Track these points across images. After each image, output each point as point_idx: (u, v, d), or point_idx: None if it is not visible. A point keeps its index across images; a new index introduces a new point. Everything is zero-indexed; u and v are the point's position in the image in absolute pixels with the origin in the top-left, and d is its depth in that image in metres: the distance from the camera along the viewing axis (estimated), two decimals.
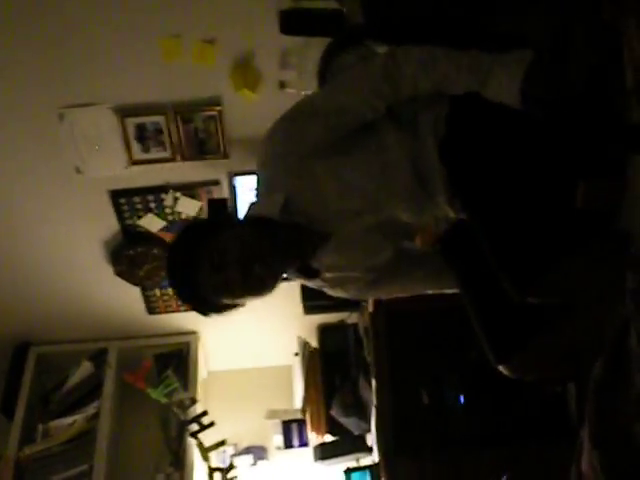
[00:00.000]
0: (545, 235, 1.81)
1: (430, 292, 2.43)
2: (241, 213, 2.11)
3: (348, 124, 1.94)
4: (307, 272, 2.16)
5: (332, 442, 4.26)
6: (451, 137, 1.92)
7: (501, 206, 1.85)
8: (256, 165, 2.07)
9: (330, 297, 3.98)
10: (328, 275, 2.20)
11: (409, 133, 1.98)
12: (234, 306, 2.07)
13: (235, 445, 4.87)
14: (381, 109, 1.95)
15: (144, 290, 4.67)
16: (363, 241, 2.12)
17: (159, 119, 3.73)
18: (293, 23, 3.30)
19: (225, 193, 4.01)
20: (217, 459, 4.57)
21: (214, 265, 1.93)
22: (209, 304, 2.04)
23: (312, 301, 4.10)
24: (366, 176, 1.96)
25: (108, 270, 4.43)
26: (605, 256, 1.82)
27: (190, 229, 2.09)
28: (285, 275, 2.13)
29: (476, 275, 2.18)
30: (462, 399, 3.54)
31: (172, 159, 3.85)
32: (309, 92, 3.30)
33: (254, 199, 2.09)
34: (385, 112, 1.97)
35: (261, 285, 1.98)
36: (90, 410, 4.63)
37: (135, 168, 3.89)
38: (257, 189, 2.08)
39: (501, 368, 2.12)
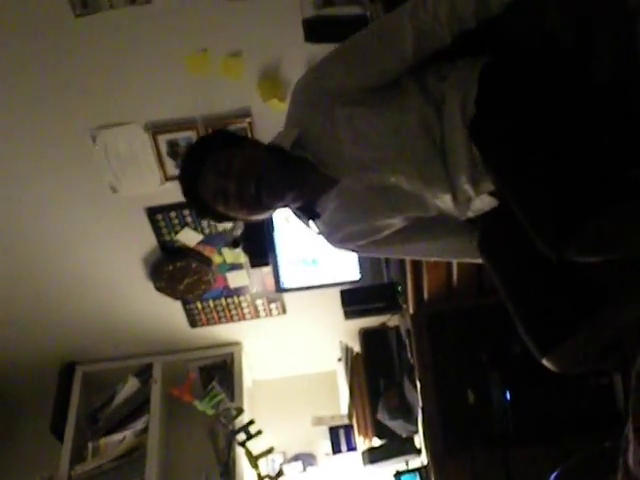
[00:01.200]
0: (588, 185, 1.71)
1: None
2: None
3: (376, 74, 1.99)
4: (308, 212, 2.21)
5: (380, 446, 4.25)
6: (483, 116, 1.91)
7: (537, 168, 1.78)
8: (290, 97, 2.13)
9: (370, 301, 4.02)
10: (326, 227, 2.25)
11: (434, 107, 1.98)
12: (227, 218, 2.14)
13: (284, 453, 4.90)
14: (409, 54, 1.97)
15: (185, 304, 4.71)
16: (364, 198, 2.14)
17: (190, 134, 3.76)
18: (317, 31, 3.29)
19: None
20: (266, 467, 4.58)
21: (218, 171, 2.02)
22: (205, 207, 2.11)
23: (352, 306, 4.10)
24: (380, 132, 1.99)
25: (148, 286, 4.49)
26: None
27: (215, 134, 2.24)
28: (287, 209, 2.20)
29: (515, 268, 2.17)
30: (508, 396, 3.52)
31: None
32: None
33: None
34: (412, 71, 2.00)
35: (255, 204, 2.05)
36: (139, 426, 4.68)
37: (169, 184, 3.92)
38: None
39: (545, 362, 2.11)
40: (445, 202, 2.14)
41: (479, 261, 2.28)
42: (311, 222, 2.25)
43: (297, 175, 2.08)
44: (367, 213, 2.21)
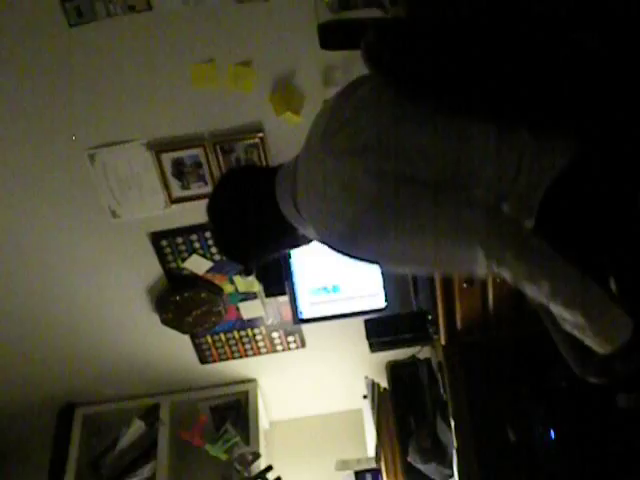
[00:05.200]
0: None
1: None
2: None
3: None
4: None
5: None
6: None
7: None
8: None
9: (397, 331, 3.99)
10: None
11: None
12: None
13: None
14: None
15: (194, 338, 4.74)
16: None
17: (197, 152, 3.78)
18: (333, 36, 3.27)
19: None
20: None
21: None
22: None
23: (377, 337, 4.09)
24: None
25: (154, 319, 4.51)
26: None
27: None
28: None
29: None
30: (553, 434, 3.48)
31: None
32: None
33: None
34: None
35: None
36: (145, 473, 4.75)
37: (175, 207, 3.96)
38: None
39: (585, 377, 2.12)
40: None
41: None
42: None
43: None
44: None
